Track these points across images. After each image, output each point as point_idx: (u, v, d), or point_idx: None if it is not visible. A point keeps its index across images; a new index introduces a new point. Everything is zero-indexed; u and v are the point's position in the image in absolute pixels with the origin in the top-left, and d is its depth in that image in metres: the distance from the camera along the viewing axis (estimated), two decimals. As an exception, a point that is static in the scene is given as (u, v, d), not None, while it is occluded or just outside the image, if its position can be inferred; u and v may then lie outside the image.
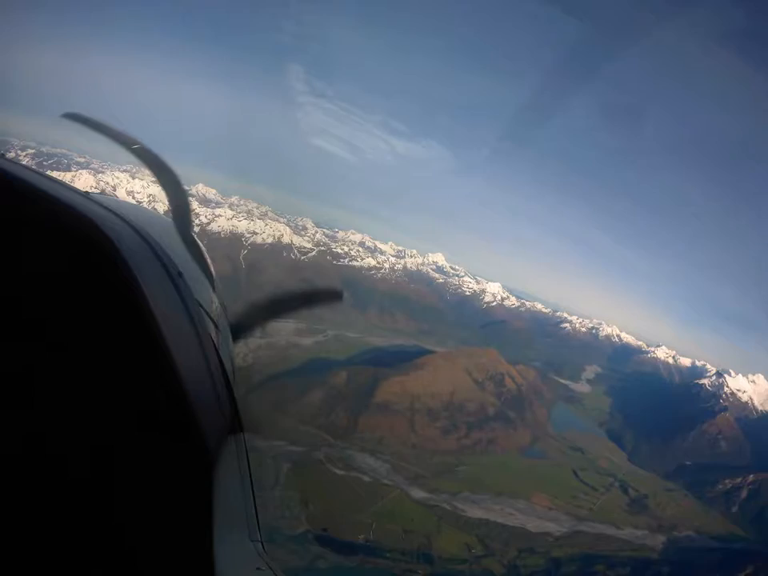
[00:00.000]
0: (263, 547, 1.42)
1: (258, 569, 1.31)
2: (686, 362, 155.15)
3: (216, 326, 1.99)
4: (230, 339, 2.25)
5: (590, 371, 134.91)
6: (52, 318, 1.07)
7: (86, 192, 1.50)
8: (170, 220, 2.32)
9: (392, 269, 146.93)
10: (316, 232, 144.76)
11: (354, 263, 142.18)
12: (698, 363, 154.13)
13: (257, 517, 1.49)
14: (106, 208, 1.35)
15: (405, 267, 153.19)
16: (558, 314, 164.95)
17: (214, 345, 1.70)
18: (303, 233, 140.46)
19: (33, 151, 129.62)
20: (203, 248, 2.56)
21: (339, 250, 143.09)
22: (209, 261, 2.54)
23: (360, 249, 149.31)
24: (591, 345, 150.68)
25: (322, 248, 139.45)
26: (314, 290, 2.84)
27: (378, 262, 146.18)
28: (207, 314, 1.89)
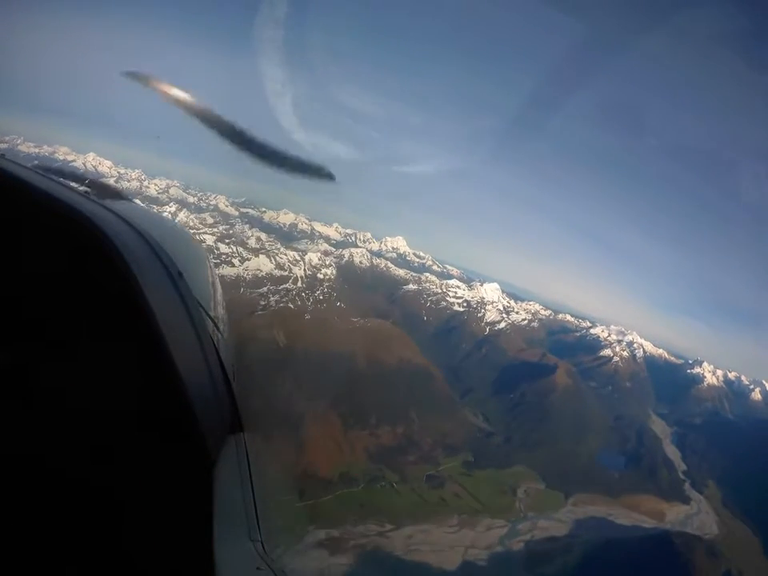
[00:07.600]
0: (263, 547, 1.39)
1: (258, 569, 1.28)
2: (719, 373, 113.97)
3: (216, 326, 1.95)
4: (231, 339, 2.18)
5: (665, 437, 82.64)
6: (52, 318, 1.07)
7: (86, 192, 1.52)
8: (171, 220, 2.10)
9: (312, 277, 70.98)
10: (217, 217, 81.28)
11: (227, 270, 65.46)
12: (730, 375, 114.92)
13: (257, 517, 1.46)
14: (105, 208, 1.36)
15: (351, 263, 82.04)
16: (560, 316, 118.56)
17: (214, 345, 1.71)
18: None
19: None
20: (204, 248, 2.57)
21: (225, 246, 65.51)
22: (210, 261, 2.41)
23: (264, 237, 73.31)
24: (637, 377, 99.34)
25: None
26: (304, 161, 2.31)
27: (279, 264, 69.67)
28: (207, 313, 1.87)
